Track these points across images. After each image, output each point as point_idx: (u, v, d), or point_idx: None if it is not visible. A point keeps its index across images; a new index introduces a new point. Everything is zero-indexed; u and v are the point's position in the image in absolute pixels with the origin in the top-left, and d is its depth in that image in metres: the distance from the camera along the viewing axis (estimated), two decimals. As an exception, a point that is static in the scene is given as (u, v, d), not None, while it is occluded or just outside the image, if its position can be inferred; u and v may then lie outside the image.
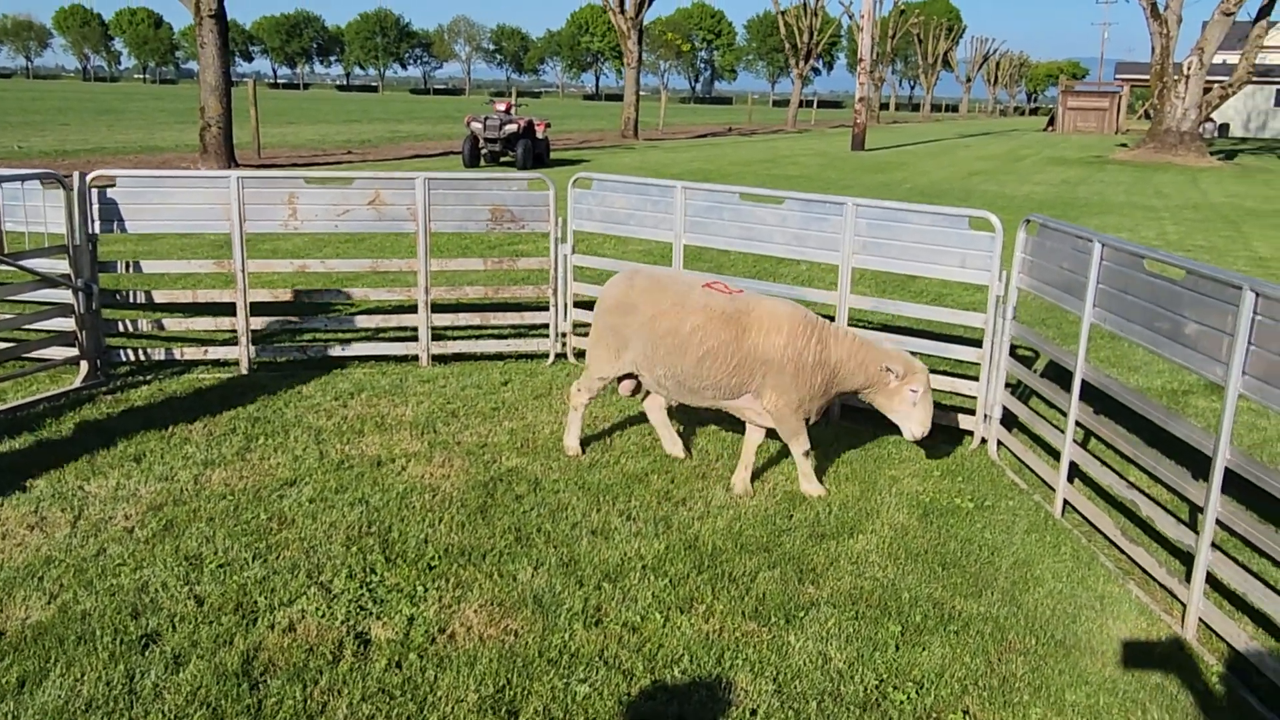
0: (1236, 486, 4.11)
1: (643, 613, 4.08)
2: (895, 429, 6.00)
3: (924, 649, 3.93)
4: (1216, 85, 36.04)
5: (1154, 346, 4.44)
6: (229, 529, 4.67)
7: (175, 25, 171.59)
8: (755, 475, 5.52)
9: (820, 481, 5.45)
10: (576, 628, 3.95)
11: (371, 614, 3.99)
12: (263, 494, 5.09)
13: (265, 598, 4.07)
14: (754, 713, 3.49)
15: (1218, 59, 39.34)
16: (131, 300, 7.28)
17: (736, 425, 6.34)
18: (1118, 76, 72.42)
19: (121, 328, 7.18)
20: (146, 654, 3.66)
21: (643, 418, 6.41)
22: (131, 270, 7.21)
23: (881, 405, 5.39)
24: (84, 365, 6.71)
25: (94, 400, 6.37)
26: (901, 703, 3.58)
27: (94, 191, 6.66)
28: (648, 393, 5.84)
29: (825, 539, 4.84)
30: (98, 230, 6.72)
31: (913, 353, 6.86)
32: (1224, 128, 60.93)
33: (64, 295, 6.68)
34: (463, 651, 3.76)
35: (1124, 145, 42.60)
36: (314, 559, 4.42)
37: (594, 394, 5.76)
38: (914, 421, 5.29)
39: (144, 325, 7.28)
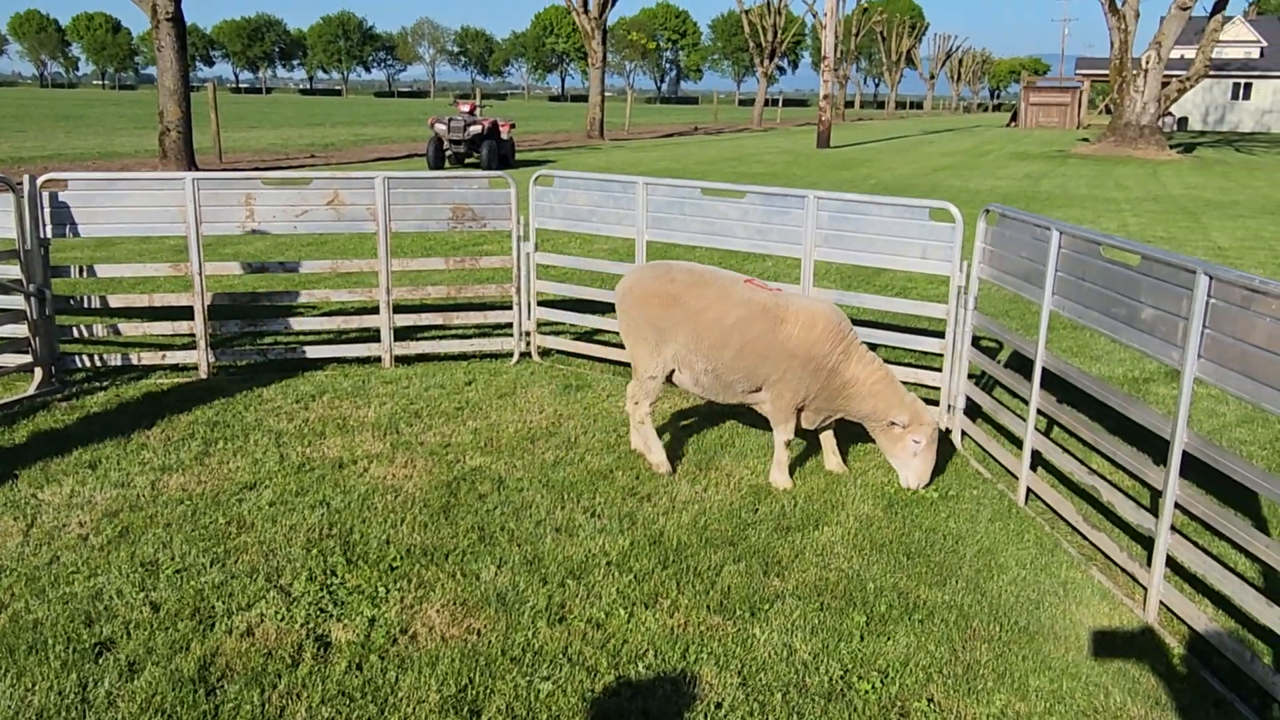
0: (1196, 471, 4.15)
1: (607, 609, 4.05)
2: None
3: (889, 638, 3.93)
4: (1174, 79, 36.56)
5: (1112, 333, 4.47)
6: (186, 534, 4.59)
7: (134, 30, 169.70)
8: (724, 471, 5.51)
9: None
10: (540, 625, 3.91)
11: (332, 616, 3.94)
12: (221, 498, 5.01)
13: (223, 602, 4.01)
14: (719, 706, 3.47)
15: (1175, 54, 39.92)
16: (86, 305, 7.16)
17: (701, 420, 6.33)
18: (1078, 72, 73.28)
19: (76, 333, 7.04)
20: (100, 662, 3.59)
21: (605, 414, 6.40)
22: (86, 275, 7.08)
23: (883, 446, 5.41)
24: (38, 372, 6.59)
25: (48, 407, 6.25)
26: (866, 692, 3.58)
27: (45, 195, 6.54)
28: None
29: (790, 531, 4.83)
30: (49, 234, 6.60)
31: (876, 345, 6.90)
32: (1183, 121, 61.82)
33: (15, 301, 6.54)
34: (424, 652, 3.71)
35: (1085, 139, 43.11)
36: (273, 562, 4.35)
37: (653, 398, 5.53)
38: (910, 471, 5.32)
39: (100, 330, 7.15)
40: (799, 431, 5.46)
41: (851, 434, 5.97)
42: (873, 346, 7.12)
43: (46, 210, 6.56)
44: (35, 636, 3.72)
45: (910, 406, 5.25)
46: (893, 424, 5.23)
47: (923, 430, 5.22)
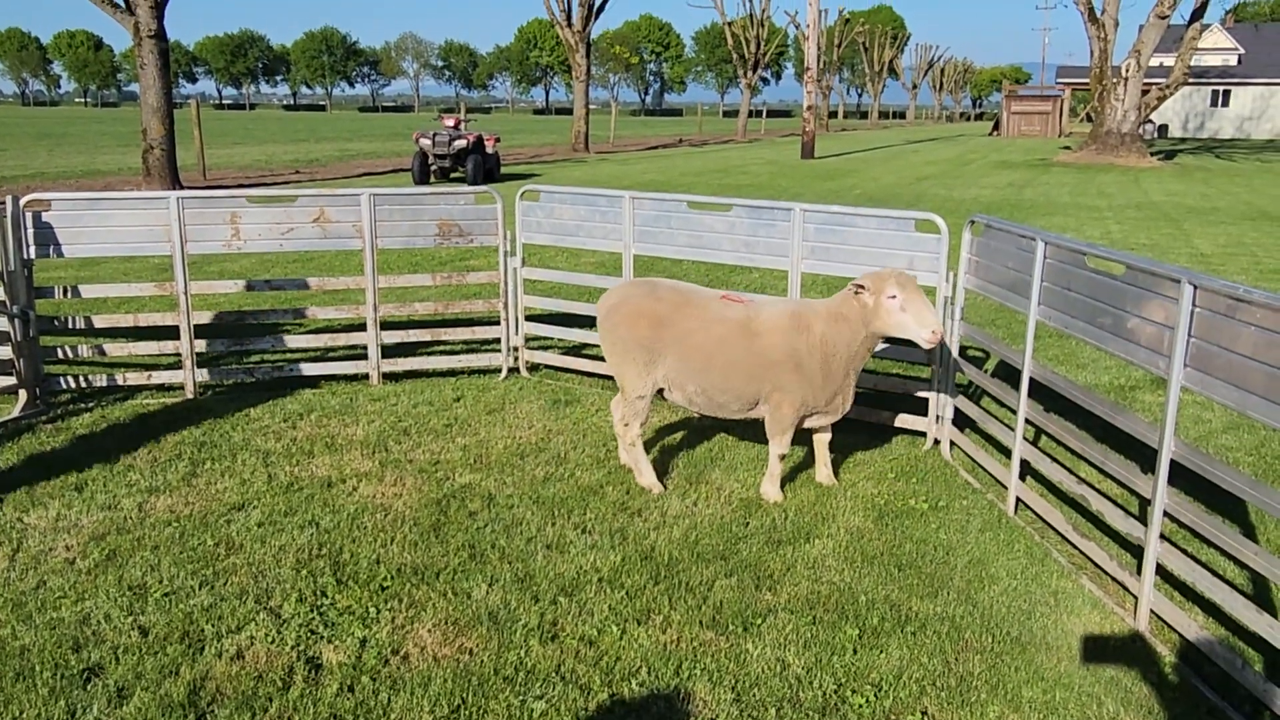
0: (1183, 478, 4.17)
1: (599, 626, 4.03)
2: (850, 433, 6.03)
3: (882, 651, 3.92)
4: (1154, 87, 36.85)
5: (1098, 342, 4.49)
6: (174, 556, 4.56)
7: (116, 47, 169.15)
8: (714, 485, 5.51)
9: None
10: (532, 644, 3.89)
11: (322, 637, 3.91)
12: (210, 519, 4.98)
13: (212, 625, 3.98)
14: (713, 722, 3.46)
15: (1154, 61, 40.23)
16: (71, 326, 7.13)
17: (690, 434, 6.32)
18: (1059, 80, 73.79)
19: (61, 354, 7.01)
20: (88, 688, 3.55)
21: (594, 428, 6.39)
22: (70, 295, 7.04)
23: (883, 331, 5.01)
24: (22, 394, 6.55)
25: (33, 430, 6.21)
26: (860, 706, 3.57)
27: (28, 215, 6.51)
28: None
29: (782, 545, 4.82)
30: (33, 255, 6.57)
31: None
32: (1163, 128, 62.32)
33: None
34: (417, 672, 3.69)
35: (1067, 148, 43.37)
36: (263, 584, 4.32)
37: (643, 419, 5.48)
38: (912, 329, 4.87)
39: (85, 351, 7.11)
40: (799, 436, 5.46)
41: (841, 446, 5.98)
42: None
43: (30, 231, 6.53)
44: (22, 663, 3.68)
45: (865, 276, 5.01)
46: (858, 292, 4.97)
47: (887, 283, 4.90)
